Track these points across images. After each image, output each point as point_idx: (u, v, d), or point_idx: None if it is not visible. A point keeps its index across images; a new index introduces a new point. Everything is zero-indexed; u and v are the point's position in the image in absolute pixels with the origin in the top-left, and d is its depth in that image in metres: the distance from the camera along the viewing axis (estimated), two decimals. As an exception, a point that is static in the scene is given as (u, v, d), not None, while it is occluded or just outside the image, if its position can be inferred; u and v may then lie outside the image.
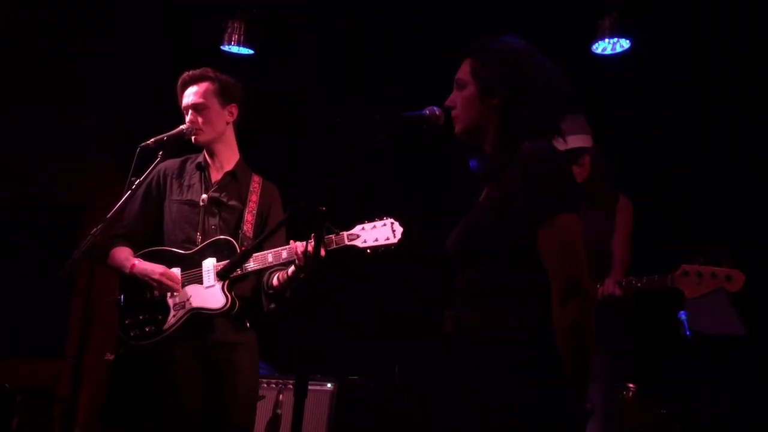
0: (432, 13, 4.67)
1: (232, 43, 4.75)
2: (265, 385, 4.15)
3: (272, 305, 3.09)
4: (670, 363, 3.89)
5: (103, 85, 5.57)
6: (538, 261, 1.84)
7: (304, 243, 2.85)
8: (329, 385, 4.24)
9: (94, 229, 2.75)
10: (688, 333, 3.45)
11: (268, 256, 2.93)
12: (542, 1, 4.41)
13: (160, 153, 3.00)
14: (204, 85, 3.13)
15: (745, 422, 4.21)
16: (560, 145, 3.18)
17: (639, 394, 3.70)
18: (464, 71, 2.07)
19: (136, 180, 2.89)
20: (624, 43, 4.52)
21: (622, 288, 3.02)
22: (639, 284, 2.97)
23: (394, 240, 2.85)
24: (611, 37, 4.48)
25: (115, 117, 5.68)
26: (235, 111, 3.19)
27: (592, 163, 3.34)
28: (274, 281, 3.02)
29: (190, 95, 3.13)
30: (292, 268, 2.93)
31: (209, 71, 3.16)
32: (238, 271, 2.94)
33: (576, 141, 3.25)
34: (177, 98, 3.19)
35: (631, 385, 3.67)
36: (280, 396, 4.12)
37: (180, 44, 4.84)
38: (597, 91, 4.40)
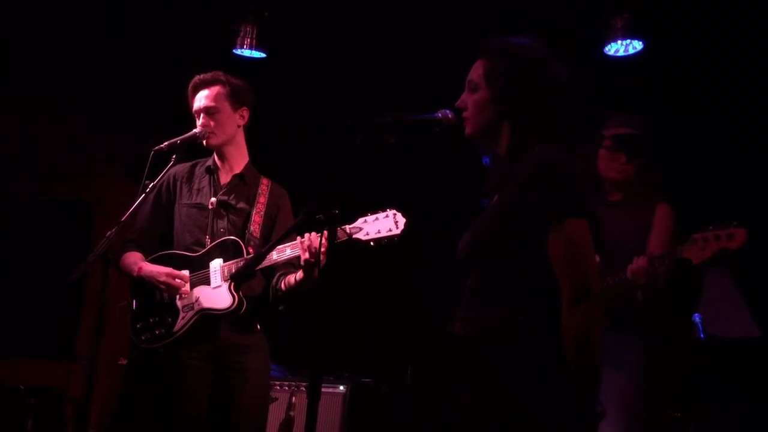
0: (443, 13, 4.67)
1: (245, 46, 4.77)
2: (278, 388, 4.16)
3: (280, 307, 3.10)
4: (683, 365, 3.87)
5: (112, 87, 5.61)
6: (548, 264, 1.84)
7: (309, 237, 2.83)
8: (342, 387, 4.25)
9: (109, 232, 2.77)
10: (702, 335, 3.43)
11: (273, 254, 2.93)
12: (555, 2, 4.40)
13: (173, 156, 3.03)
14: (215, 89, 3.15)
15: (759, 424, 4.18)
16: (608, 130, 3.12)
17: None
18: (477, 73, 2.04)
19: (150, 183, 2.92)
20: (637, 45, 4.50)
21: (650, 265, 2.92)
22: (657, 264, 2.89)
23: (397, 231, 2.81)
24: (624, 38, 4.46)
25: (125, 119, 5.72)
26: (246, 114, 3.21)
27: (640, 166, 3.17)
28: (282, 286, 3.03)
29: (201, 99, 3.15)
30: (300, 275, 2.92)
31: (220, 75, 3.18)
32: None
33: (631, 130, 3.13)
34: (188, 102, 3.20)
35: None
36: (293, 398, 4.13)
37: (190, 47, 4.86)
38: (610, 93, 4.38)
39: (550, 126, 1.96)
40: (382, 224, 2.83)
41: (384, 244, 2.83)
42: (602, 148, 3.15)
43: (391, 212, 2.84)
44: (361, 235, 2.83)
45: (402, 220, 2.82)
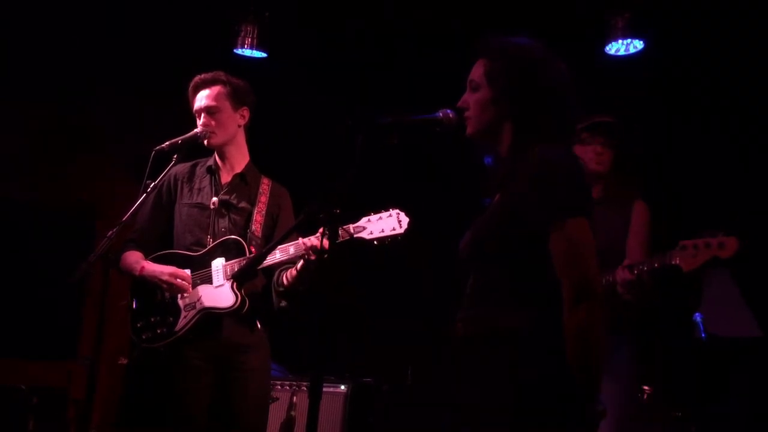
0: (444, 12, 4.67)
1: (245, 46, 4.77)
2: (279, 387, 4.16)
3: (282, 303, 3.09)
4: (684, 365, 3.86)
5: (112, 87, 5.61)
6: (548, 264, 1.84)
7: (311, 237, 2.85)
8: (342, 387, 4.25)
9: (110, 232, 2.77)
10: (703, 335, 3.42)
11: (276, 253, 2.94)
12: (556, 2, 4.40)
13: (174, 156, 3.04)
14: (216, 89, 3.15)
15: (760, 424, 4.18)
16: (581, 124, 3.15)
17: (653, 397, 3.68)
18: (478, 73, 2.05)
19: (151, 183, 2.92)
20: (637, 44, 4.49)
21: (631, 273, 2.95)
22: (645, 267, 2.91)
23: (400, 230, 2.83)
24: (624, 38, 4.46)
25: (127, 120, 5.72)
26: (246, 114, 3.21)
27: (617, 156, 3.21)
28: (284, 280, 3.03)
29: (202, 98, 3.15)
30: (300, 263, 2.93)
31: (221, 75, 3.18)
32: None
33: (602, 118, 3.18)
34: (188, 101, 3.21)
35: (646, 388, 3.64)
36: (294, 398, 4.13)
37: (191, 47, 4.87)
38: (610, 92, 4.38)
39: (551, 125, 1.96)
40: (385, 224, 2.85)
41: (387, 243, 2.85)
42: (577, 143, 3.15)
43: (394, 212, 2.86)
44: (364, 234, 2.85)
45: (405, 220, 2.84)
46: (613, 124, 3.18)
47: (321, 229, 2.72)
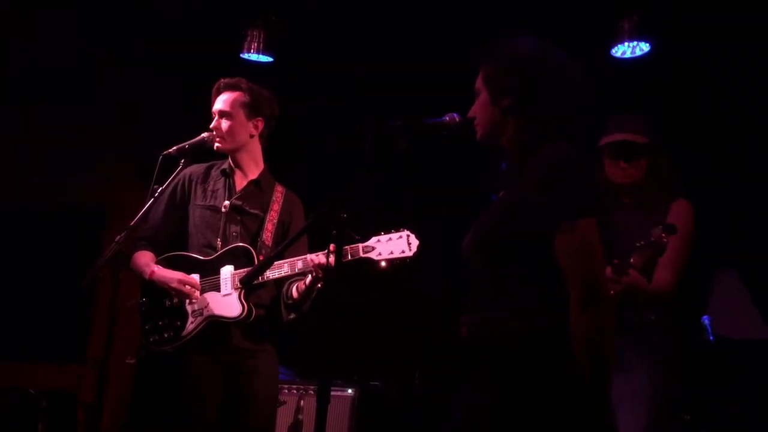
0: (451, 16, 4.67)
1: (252, 50, 4.78)
2: (287, 391, 4.18)
3: (291, 315, 3.10)
4: (693, 367, 3.85)
5: (124, 92, 5.64)
6: (555, 265, 1.83)
7: (320, 254, 2.87)
8: (350, 390, 4.26)
9: (118, 237, 2.78)
10: (711, 337, 3.42)
11: (284, 266, 2.96)
12: (562, 4, 4.40)
13: (182, 161, 3.05)
14: (234, 95, 3.17)
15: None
16: (603, 139, 3.12)
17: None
18: (478, 81, 2.08)
19: (159, 188, 2.94)
20: (644, 47, 4.49)
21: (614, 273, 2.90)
22: (620, 270, 2.87)
23: (409, 253, 2.85)
24: (631, 40, 4.45)
25: (135, 123, 5.75)
26: (260, 125, 3.22)
27: (649, 165, 3.15)
28: (294, 292, 3.04)
29: (220, 102, 3.18)
30: (309, 278, 2.95)
31: (243, 82, 3.20)
32: (259, 279, 2.97)
33: (623, 136, 3.13)
34: (209, 104, 3.22)
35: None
36: (301, 401, 4.14)
37: (203, 52, 4.89)
38: (617, 95, 4.37)
39: (551, 121, 1.95)
40: (395, 245, 2.86)
41: (396, 264, 2.86)
42: (605, 156, 3.16)
43: (404, 233, 2.88)
44: (373, 255, 2.88)
45: (415, 242, 2.87)
46: (631, 143, 3.13)
47: (330, 247, 2.73)
